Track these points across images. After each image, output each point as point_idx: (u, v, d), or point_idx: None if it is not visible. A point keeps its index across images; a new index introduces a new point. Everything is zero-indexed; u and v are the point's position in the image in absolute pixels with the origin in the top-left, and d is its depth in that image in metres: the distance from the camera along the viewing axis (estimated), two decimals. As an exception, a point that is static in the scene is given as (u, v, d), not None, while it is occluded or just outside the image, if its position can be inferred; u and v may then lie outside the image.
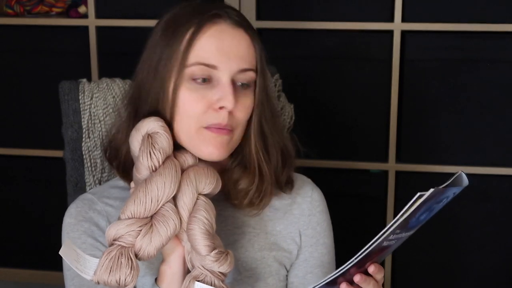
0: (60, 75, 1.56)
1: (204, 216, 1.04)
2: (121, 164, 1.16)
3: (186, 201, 1.05)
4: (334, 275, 0.99)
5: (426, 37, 2.10)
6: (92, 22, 2.25)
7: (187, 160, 1.09)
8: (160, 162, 1.05)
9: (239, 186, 1.16)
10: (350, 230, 1.96)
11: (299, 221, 1.23)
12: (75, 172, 1.39)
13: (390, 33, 2.11)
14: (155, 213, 1.03)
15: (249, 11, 2.13)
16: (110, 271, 0.98)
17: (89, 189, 1.38)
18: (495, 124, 2.11)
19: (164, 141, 1.06)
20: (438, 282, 2.25)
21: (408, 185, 2.13)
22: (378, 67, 2.13)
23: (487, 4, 2.06)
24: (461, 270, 2.23)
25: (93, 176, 1.38)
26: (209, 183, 1.07)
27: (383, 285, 2.42)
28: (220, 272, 1.04)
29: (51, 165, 2.33)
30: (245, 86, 1.11)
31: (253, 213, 1.18)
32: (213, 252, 1.03)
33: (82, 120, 1.37)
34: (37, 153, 2.37)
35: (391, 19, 2.11)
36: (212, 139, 1.09)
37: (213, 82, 1.09)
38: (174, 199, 1.05)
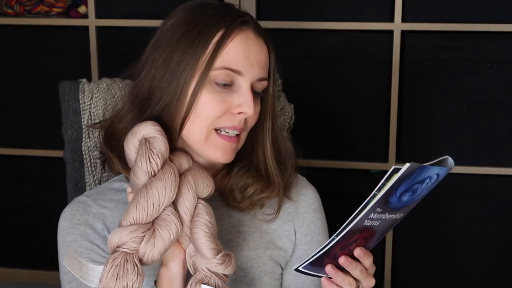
0: (60, 75, 1.56)
1: (207, 220, 1.05)
2: (122, 158, 1.15)
3: (187, 205, 1.05)
4: (317, 253, 0.99)
5: (426, 37, 2.10)
6: (92, 22, 2.25)
7: (183, 163, 1.09)
8: (159, 167, 1.05)
9: (248, 192, 1.18)
10: (350, 230, 1.96)
11: (293, 219, 1.23)
12: (75, 172, 1.39)
13: (390, 33, 2.11)
14: (156, 218, 1.04)
15: (249, 11, 2.09)
16: (116, 278, 0.98)
17: (89, 189, 1.38)
18: (495, 124, 2.11)
19: (162, 146, 1.06)
20: (438, 282, 2.25)
21: (408, 185, 2.13)
22: (378, 67, 2.13)
23: (487, 4, 2.06)
24: (461, 270, 2.23)
25: (93, 176, 1.38)
26: (207, 187, 1.09)
27: (383, 285, 2.41)
28: (224, 274, 1.05)
29: (51, 165, 2.33)
30: (258, 94, 1.14)
31: (248, 211, 1.19)
32: (219, 255, 1.04)
33: (82, 120, 1.37)
34: (37, 153, 2.37)
35: (391, 19, 2.11)
36: (222, 145, 1.11)
37: (234, 87, 1.11)
38: (174, 203, 1.05)
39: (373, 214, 0.96)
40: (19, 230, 2.47)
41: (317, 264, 1.02)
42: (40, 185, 2.38)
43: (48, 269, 2.44)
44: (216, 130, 1.11)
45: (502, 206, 2.16)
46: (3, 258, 2.51)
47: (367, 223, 0.97)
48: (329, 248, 0.99)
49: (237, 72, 1.10)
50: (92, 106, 1.37)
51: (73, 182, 1.40)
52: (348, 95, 2.16)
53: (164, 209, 1.04)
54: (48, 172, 2.35)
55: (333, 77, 2.16)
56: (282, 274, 1.24)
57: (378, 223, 0.99)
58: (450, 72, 2.09)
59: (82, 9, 2.32)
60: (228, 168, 1.20)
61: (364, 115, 2.17)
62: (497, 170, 2.14)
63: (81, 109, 1.37)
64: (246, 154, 1.18)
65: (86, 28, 2.27)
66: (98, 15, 2.25)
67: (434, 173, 0.96)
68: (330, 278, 1.04)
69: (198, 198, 1.07)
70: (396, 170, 0.91)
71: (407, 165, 0.90)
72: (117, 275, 0.98)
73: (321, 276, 1.05)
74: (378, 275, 2.12)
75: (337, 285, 1.05)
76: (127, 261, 0.99)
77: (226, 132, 1.11)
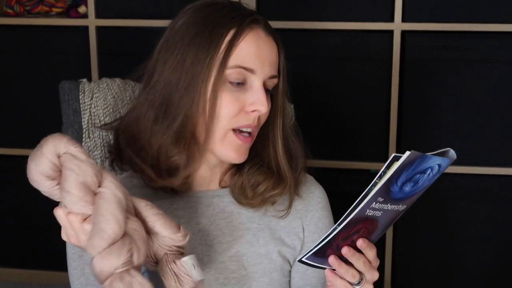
0: (60, 75, 1.56)
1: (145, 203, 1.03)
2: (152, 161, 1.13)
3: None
4: (320, 243, 0.99)
5: (426, 37, 2.10)
6: (92, 22, 2.25)
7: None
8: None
9: (260, 189, 1.18)
10: (350, 230, 1.96)
11: (302, 216, 1.24)
12: (75, 172, 1.39)
13: (390, 33, 2.11)
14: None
15: (249, 11, 2.13)
16: None
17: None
18: (495, 124, 2.11)
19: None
20: (438, 282, 2.25)
21: (408, 185, 2.13)
22: (378, 67, 2.13)
23: (487, 4, 2.06)
24: (461, 270, 2.23)
25: (93, 176, 1.38)
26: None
27: (383, 285, 2.41)
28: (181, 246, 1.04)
29: (51, 165, 2.33)
30: (269, 91, 1.14)
31: (259, 207, 1.19)
32: (180, 228, 1.02)
33: (82, 120, 1.37)
34: (37, 153, 2.37)
35: (391, 19, 2.11)
36: (237, 145, 1.12)
37: (247, 85, 1.11)
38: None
39: (375, 204, 0.96)
40: (19, 230, 2.47)
41: (320, 255, 1.02)
42: (40, 185, 2.38)
43: (48, 269, 2.44)
44: (233, 130, 1.12)
45: (502, 206, 2.16)
46: (3, 258, 2.51)
47: (369, 212, 0.97)
48: (331, 238, 0.98)
49: (250, 70, 1.10)
50: (92, 106, 1.37)
51: (73, 182, 1.40)
52: (348, 95, 2.16)
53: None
54: (48, 172, 2.35)
55: (333, 77, 2.16)
56: (290, 271, 1.24)
57: (380, 214, 0.98)
58: (450, 72, 2.10)
59: (82, 9, 2.32)
60: (238, 165, 1.20)
61: (364, 115, 2.17)
62: (497, 170, 2.14)
63: (81, 109, 1.37)
64: (257, 152, 1.19)
65: (86, 28, 2.27)
66: (98, 15, 2.25)
67: (435, 163, 0.96)
68: (334, 269, 1.04)
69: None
70: (396, 158, 0.91)
71: (408, 153, 0.90)
72: None
73: (324, 268, 1.05)
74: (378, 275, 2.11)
75: (340, 277, 1.05)
76: (132, 276, 0.96)
77: (241, 132, 1.12)
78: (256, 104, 1.11)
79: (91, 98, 1.37)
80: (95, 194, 1.00)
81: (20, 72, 2.35)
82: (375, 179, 0.94)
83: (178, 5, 1.19)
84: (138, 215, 1.03)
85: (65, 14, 2.38)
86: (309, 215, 1.24)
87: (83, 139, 1.36)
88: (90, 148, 1.37)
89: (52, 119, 1.81)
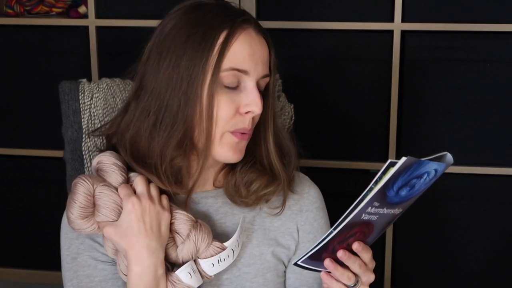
0: (60, 75, 1.56)
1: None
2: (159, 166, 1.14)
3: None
4: (315, 247, 0.99)
5: (426, 37, 2.10)
6: (92, 22, 2.25)
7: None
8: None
9: (253, 187, 1.18)
10: (350, 230, 1.96)
11: (296, 216, 1.24)
12: (75, 172, 1.39)
13: (390, 33, 2.11)
14: None
15: (249, 11, 2.09)
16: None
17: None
18: (495, 124, 2.11)
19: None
20: (438, 282, 2.25)
21: (408, 185, 2.13)
22: (378, 67, 2.13)
23: (487, 4, 2.06)
24: (461, 270, 2.23)
25: (93, 176, 1.38)
26: None
27: (382, 284, 2.41)
28: None
29: (51, 165, 2.33)
30: (260, 91, 1.14)
31: (254, 206, 1.19)
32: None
33: (82, 120, 1.36)
34: (37, 153, 2.37)
35: (391, 19, 2.11)
36: (234, 144, 1.12)
37: (240, 87, 1.11)
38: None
39: (371, 208, 0.95)
40: (19, 230, 2.47)
41: (316, 259, 1.02)
42: (40, 185, 2.38)
43: (48, 269, 2.44)
44: (231, 133, 1.12)
45: (502, 206, 2.16)
46: (3, 258, 2.51)
47: (365, 217, 0.97)
48: (327, 242, 0.98)
49: (244, 72, 1.10)
50: (92, 106, 1.37)
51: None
52: (348, 95, 2.16)
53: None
54: (48, 172, 2.35)
55: (333, 77, 2.16)
56: (285, 271, 1.24)
57: (376, 218, 0.98)
58: (450, 72, 2.09)
59: (82, 9, 2.32)
60: (231, 164, 1.20)
61: (364, 115, 2.17)
62: (497, 170, 2.14)
63: (81, 109, 1.37)
64: (249, 150, 1.18)
65: (86, 28, 2.27)
66: (98, 15, 2.25)
67: (432, 168, 0.95)
68: (329, 272, 1.04)
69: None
70: (392, 164, 0.91)
71: (403, 159, 0.90)
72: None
73: (320, 271, 1.05)
74: (378, 275, 2.11)
75: (336, 279, 1.05)
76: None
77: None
78: (251, 105, 1.11)
79: (91, 98, 1.37)
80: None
81: (20, 72, 2.35)
82: (370, 185, 0.93)
83: (177, 5, 1.19)
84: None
85: (65, 14, 2.38)
86: (304, 216, 1.24)
87: (83, 139, 1.36)
88: (90, 148, 1.36)
89: (52, 119, 1.82)
